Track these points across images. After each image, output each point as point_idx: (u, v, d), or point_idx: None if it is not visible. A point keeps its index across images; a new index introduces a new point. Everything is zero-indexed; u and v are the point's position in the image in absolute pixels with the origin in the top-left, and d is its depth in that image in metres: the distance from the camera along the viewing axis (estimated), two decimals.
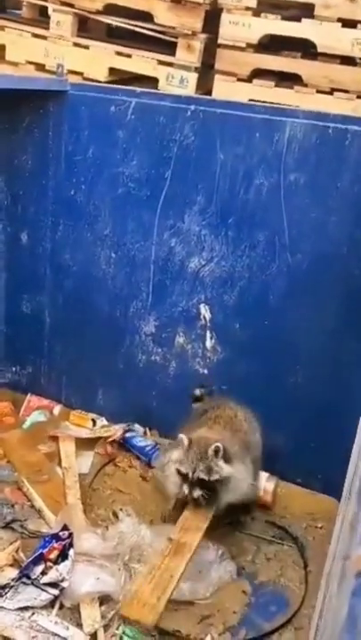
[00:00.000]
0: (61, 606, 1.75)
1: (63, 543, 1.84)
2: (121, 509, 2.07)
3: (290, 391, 2.18)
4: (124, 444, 2.43)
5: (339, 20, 2.55)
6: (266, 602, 1.86)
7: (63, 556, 1.81)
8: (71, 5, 2.89)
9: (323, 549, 1.88)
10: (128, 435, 2.44)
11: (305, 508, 2.21)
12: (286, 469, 2.26)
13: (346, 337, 2.07)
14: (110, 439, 2.43)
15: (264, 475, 2.19)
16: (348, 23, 2.56)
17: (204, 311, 2.31)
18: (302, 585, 1.92)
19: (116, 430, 2.46)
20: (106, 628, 1.71)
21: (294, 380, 2.20)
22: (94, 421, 2.53)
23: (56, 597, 1.75)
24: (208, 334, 2.33)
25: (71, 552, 1.82)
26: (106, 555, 1.86)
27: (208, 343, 2.34)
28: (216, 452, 1.85)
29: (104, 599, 1.77)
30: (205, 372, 2.36)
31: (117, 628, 1.72)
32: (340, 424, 1.84)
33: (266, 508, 2.18)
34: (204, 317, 2.32)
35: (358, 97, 2.62)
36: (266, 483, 2.19)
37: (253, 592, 1.88)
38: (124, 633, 1.71)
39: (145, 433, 2.50)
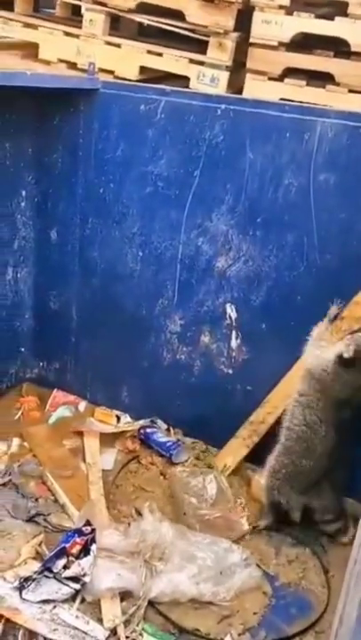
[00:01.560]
0: (82, 601, 1.76)
1: (86, 538, 1.86)
2: (148, 506, 2.06)
3: None
4: (145, 441, 2.44)
5: None
6: (286, 604, 1.85)
7: (85, 551, 1.83)
8: (104, 4, 2.90)
9: (346, 553, 1.86)
10: (149, 430, 2.46)
11: None
12: None
13: None
14: (130, 434, 2.44)
15: None
16: None
17: (230, 311, 2.30)
18: (324, 588, 1.91)
19: (138, 425, 2.47)
20: (126, 624, 1.72)
21: None
22: (118, 418, 2.55)
23: (77, 592, 1.77)
24: (234, 334, 2.33)
25: (93, 547, 1.84)
26: (127, 551, 1.87)
27: (233, 343, 2.33)
28: None
29: (125, 595, 1.79)
30: (230, 371, 2.36)
31: (138, 625, 1.73)
32: None
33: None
34: (230, 317, 2.31)
35: None
36: None
37: (274, 594, 1.87)
38: (143, 629, 1.72)
39: (168, 430, 2.51)
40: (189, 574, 1.82)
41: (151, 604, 1.79)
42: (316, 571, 1.97)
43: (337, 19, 2.57)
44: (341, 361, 1.86)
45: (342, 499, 2.13)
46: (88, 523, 1.91)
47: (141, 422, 2.50)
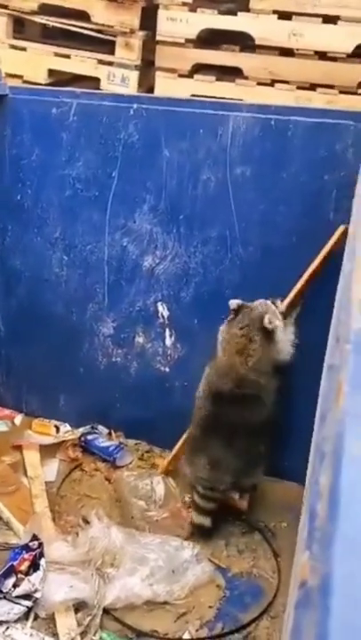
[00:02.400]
0: (36, 617, 1.72)
1: (34, 553, 1.81)
2: (95, 513, 2.03)
3: None
4: (87, 448, 2.41)
5: (274, 12, 2.58)
6: (240, 593, 1.87)
7: (34, 566, 1.79)
8: (5, 6, 2.84)
9: (295, 537, 1.90)
10: (90, 437, 2.43)
11: (275, 496, 2.23)
12: None
13: (301, 322, 2.09)
14: (70, 442, 2.41)
15: None
16: (284, 15, 2.59)
17: (162, 309, 2.31)
18: (275, 573, 1.94)
19: (79, 433, 2.44)
20: (83, 635, 1.69)
21: None
22: (57, 428, 2.50)
23: (30, 609, 1.72)
24: (167, 332, 2.33)
25: (42, 562, 1.79)
26: (78, 561, 1.84)
27: (168, 341, 2.34)
28: None
29: (79, 606, 1.76)
30: (167, 369, 2.36)
31: (94, 634, 1.71)
32: (304, 410, 1.86)
33: (240, 513, 2.16)
34: (162, 315, 2.31)
35: (299, 87, 2.65)
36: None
37: (228, 585, 1.89)
38: (101, 638, 1.70)
39: (110, 434, 2.49)
40: (142, 576, 1.82)
41: (107, 611, 1.77)
42: (266, 556, 2.01)
43: (240, 14, 2.62)
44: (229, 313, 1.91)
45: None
46: (35, 537, 1.87)
47: (81, 430, 2.47)
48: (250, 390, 1.92)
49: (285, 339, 1.94)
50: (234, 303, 1.92)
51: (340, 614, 0.22)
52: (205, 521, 2.05)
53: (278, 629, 1.71)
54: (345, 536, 0.25)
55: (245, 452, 1.99)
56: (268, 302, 1.94)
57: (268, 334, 1.88)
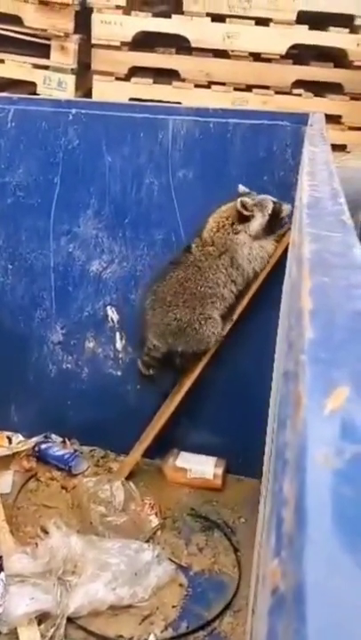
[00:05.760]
0: None
1: None
2: (54, 522, 2.01)
3: (202, 379, 2.21)
4: (42, 458, 2.39)
5: (208, 14, 2.61)
6: (203, 590, 1.89)
7: None
8: None
9: (254, 531, 1.94)
10: (44, 446, 2.40)
11: (232, 492, 2.27)
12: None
13: (248, 321, 2.13)
14: (24, 453, 2.38)
15: (212, 460, 2.27)
16: (217, 17, 2.62)
17: (111, 313, 2.31)
18: (236, 568, 1.97)
19: (32, 443, 2.41)
20: None
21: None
22: (10, 439, 2.46)
23: None
24: (118, 336, 2.33)
25: (2, 576, 1.77)
26: (39, 572, 1.82)
27: (119, 344, 2.34)
28: None
29: (42, 617, 1.74)
30: (119, 373, 2.36)
31: None
32: (256, 405, 1.90)
33: (216, 491, 2.26)
34: (112, 319, 2.31)
35: (235, 89, 2.69)
36: (215, 468, 2.27)
37: (190, 583, 1.91)
38: None
39: (64, 442, 2.46)
40: (105, 582, 1.81)
41: (71, 619, 1.76)
42: (226, 552, 2.04)
43: (174, 16, 2.64)
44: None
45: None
46: None
47: (35, 439, 2.43)
48: (200, 258, 2.00)
49: (253, 248, 1.98)
50: (241, 187, 1.97)
51: (315, 621, 0.24)
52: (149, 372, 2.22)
53: (242, 623, 1.74)
54: (313, 542, 0.27)
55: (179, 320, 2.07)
56: (269, 198, 1.95)
57: (241, 220, 1.94)
